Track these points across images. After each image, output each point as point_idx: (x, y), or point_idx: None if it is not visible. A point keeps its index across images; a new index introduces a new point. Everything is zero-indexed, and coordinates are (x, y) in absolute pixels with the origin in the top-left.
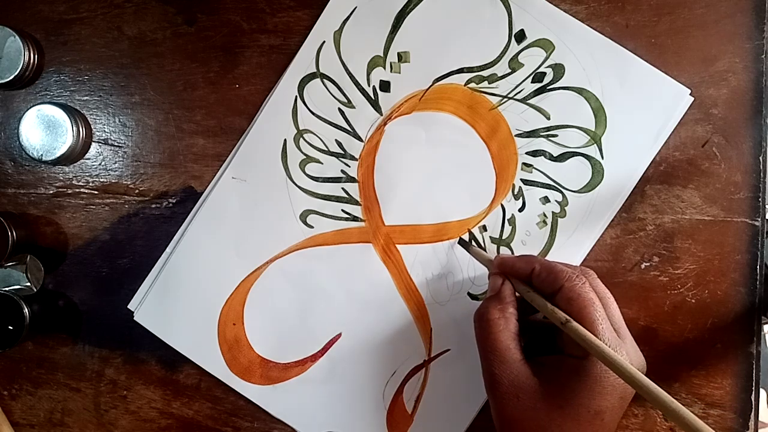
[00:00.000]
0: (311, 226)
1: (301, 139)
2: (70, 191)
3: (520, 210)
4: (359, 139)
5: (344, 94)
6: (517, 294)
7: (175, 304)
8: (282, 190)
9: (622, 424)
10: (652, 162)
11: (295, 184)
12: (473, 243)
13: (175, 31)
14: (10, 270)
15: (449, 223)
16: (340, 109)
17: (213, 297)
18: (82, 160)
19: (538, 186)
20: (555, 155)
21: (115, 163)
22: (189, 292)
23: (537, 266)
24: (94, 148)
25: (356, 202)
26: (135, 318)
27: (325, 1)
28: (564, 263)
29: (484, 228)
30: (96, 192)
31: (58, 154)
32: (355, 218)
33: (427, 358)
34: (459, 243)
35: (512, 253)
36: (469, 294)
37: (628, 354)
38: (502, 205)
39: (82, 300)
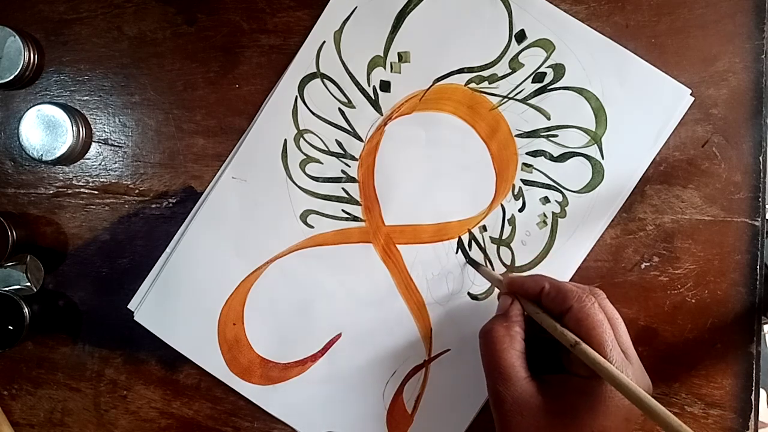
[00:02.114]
0: (311, 226)
1: (302, 139)
2: (70, 191)
3: (520, 210)
4: (359, 139)
5: (344, 94)
6: (525, 314)
7: (175, 304)
8: (282, 190)
9: None
10: (652, 162)
11: (296, 184)
12: (475, 246)
13: (175, 31)
14: (10, 270)
15: (449, 223)
16: (340, 109)
17: (213, 297)
18: (82, 160)
19: (538, 186)
20: (555, 155)
21: (115, 163)
22: (189, 292)
23: (546, 285)
24: (94, 148)
25: (356, 202)
26: (135, 318)
27: (325, 1)
28: (573, 283)
29: (484, 228)
30: (96, 192)
31: (58, 154)
32: (355, 218)
33: (427, 358)
34: (468, 262)
35: (512, 253)
36: (469, 294)
37: (635, 375)
38: (502, 205)
39: (82, 300)
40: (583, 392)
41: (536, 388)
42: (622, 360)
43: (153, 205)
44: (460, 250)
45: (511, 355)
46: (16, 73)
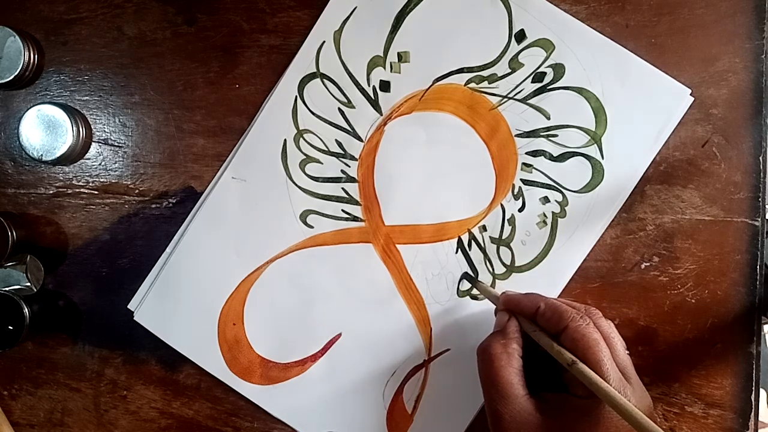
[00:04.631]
0: (311, 226)
1: (301, 139)
2: (70, 191)
3: (520, 210)
4: (359, 139)
5: (344, 94)
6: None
7: (175, 304)
8: (282, 190)
9: None
10: (652, 162)
11: (295, 184)
12: (474, 245)
13: (175, 31)
14: (10, 270)
15: (449, 223)
16: (340, 109)
17: (213, 297)
18: (82, 160)
19: (538, 186)
20: (555, 155)
21: (115, 163)
22: (189, 292)
23: (542, 305)
24: (94, 148)
25: (356, 202)
26: (135, 318)
27: (325, 1)
28: (568, 302)
29: (484, 228)
30: (96, 192)
31: (58, 154)
32: (355, 218)
33: (427, 358)
34: (464, 277)
35: (512, 253)
36: (469, 294)
37: (635, 395)
38: (501, 205)
39: (82, 300)
40: (581, 412)
41: (534, 406)
42: (619, 379)
43: (153, 205)
44: (459, 250)
45: (508, 372)
46: (16, 73)
